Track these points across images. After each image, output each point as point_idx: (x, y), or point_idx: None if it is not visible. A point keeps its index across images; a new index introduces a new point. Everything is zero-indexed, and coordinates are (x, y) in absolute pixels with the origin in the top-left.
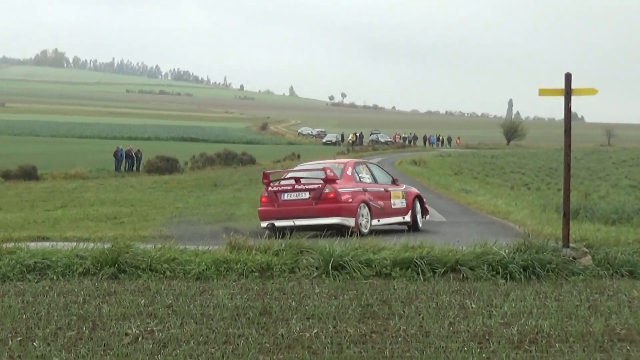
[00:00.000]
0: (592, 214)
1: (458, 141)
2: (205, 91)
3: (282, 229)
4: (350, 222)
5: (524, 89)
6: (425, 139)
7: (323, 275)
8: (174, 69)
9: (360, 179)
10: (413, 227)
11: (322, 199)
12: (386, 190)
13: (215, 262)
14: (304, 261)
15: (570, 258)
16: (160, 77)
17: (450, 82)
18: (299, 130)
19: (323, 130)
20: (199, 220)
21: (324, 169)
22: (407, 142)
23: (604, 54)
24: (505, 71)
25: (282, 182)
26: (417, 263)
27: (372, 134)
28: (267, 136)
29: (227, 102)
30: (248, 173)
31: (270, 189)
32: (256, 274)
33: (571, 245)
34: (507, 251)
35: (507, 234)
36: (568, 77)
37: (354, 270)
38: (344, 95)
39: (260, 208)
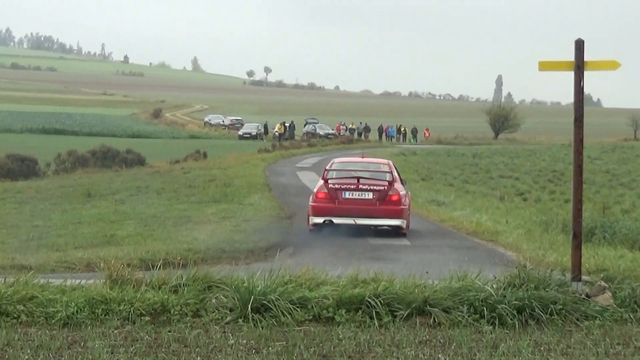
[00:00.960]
0: (613, 234)
1: (427, 134)
2: (75, 64)
3: (341, 226)
4: (404, 224)
5: (518, 63)
6: (381, 130)
7: (240, 320)
8: (31, 34)
9: (399, 181)
10: (406, 233)
11: (386, 201)
12: (408, 193)
13: (90, 302)
14: (214, 300)
15: (583, 296)
16: (12, 44)
17: (417, 53)
18: (206, 119)
19: (239, 118)
20: (67, 244)
21: (388, 170)
22: (355, 135)
23: (627, 24)
24: (493, 39)
25: (342, 180)
26: (370, 303)
27: (307, 123)
28: (162, 127)
29: (106, 80)
30: (135, 178)
31: (330, 185)
32: (147, 318)
33: (584, 278)
34: (495, 286)
35: (494, 262)
36: (580, 45)
37: (282, 313)
38: (267, 71)
39: (315, 204)
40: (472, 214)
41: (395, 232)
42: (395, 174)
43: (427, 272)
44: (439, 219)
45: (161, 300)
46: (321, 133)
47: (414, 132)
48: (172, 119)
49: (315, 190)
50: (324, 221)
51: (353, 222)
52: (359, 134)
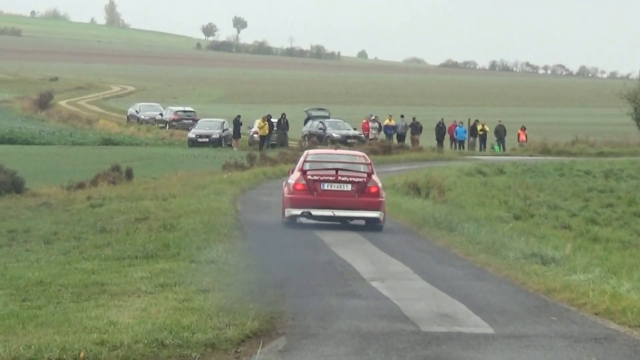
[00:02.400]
0: None
1: (522, 136)
2: None
3: (320, 218)
4: (382, 217)
5: None
6: (442, 130)
7: None
8: None
9: (376, 173)
10: (378, 227)
11: (365, 192)
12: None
13: None
14: None
15: None
16: None
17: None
18: (131, 110)
19: (189, 110)
20: None
21: (366, 162)
22: (395, 139)
23: None
24: None
25: (321, 171)
26: None
27: (309, 118)
28: (52, 124)
29: None
30: (6, 216)
31: (309, 177)
32: None
33: None
34: None
35: None
36: None
37: None
38: (239, 25)
39: (293, 195)
40: (605, 279)
41: (372, 227)
42: (372, 166)
43: None
44: (544, 289)
45: None
46: (335, 135)
47: (500, 132)
48: (70, 111)
49: (292, 181)
50: (302, 213)
51: (332, 214)
52: (401, 136)
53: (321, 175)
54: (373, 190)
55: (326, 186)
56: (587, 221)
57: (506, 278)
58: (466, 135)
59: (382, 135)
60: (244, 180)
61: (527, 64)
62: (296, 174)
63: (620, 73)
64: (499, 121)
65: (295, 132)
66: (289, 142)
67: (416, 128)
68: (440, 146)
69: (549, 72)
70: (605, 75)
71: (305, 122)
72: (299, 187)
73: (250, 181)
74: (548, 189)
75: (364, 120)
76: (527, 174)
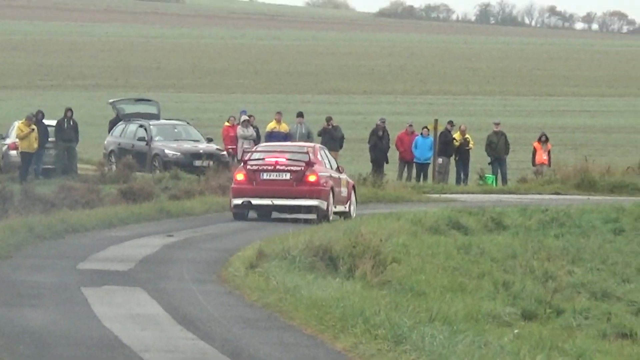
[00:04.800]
0: None
1: (541, 155)
2: None
3: (259, 207)
4: (324, 205)
5: None
6: (380, 139)
7: None
8: None
9: (325, 164)
10: (348, 215)
11: (303, 181)
12: (339, 178)
13: None
14: None
15: None
16: None
17: None
18: None
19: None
20: None
21: (306, 152)
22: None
23: None
24: None
25: (262, 162)
26: None
27: (121, 117)
28: None
29: None
30: None
31: (248, 167)
32: None
33: None
34: None
35: None
36: None
37: None
38: None
39: (234, 185)
40: None
41: (319, 217)
42: (320, 156)
43: None
44: None
45: None
46: (169, 152)
47: (497, 147)
48: None
49: (235, 173)
50: (243, 202)
51: (270, 203)
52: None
53: (260, 165)
54: (311, 179)
55: (265, 176)
56: None
57: None
58: (432, 152)
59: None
60: None
61: (548, 11)
62: (240, 165)
63: None
64: (496, 125)
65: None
66: (74, 167)
67: (331, 138)
68: (379, 174)
69: (591, 26)
70: None
71: (112, 127)
72: (239, 177)
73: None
74: (591, 261)
75: (227, 124)
76: (549, 229)
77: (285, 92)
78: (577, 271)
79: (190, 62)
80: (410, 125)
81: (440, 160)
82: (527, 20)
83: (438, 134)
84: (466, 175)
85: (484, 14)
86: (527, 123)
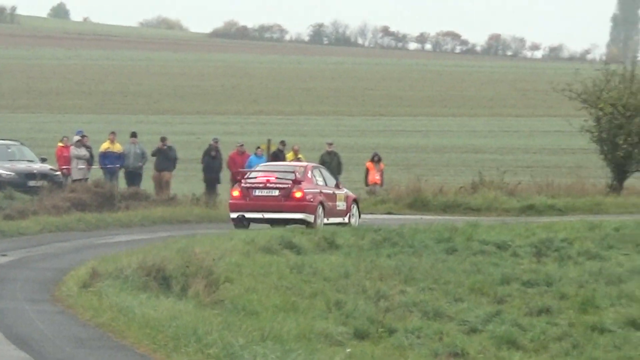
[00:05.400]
0: None
1: (374, 175)
2: None
3: (252, 220)
4: (310, 218)
5: None
6: (214, 159)
7: None
8: None
9: (316, 181)
10: (348, 226)
11: (290, 197)
12: (334, 193)
13: None
14: None
15: None
16: None
17: None
18: None
19: None
20: None
21: (293, 171)
22: (120, 176)
23: None
24: None
25: (254, 180)
26: None
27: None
28: None
29: None
30: None
31: (243, 185)
32: None
33: None
34: None
35: None
36: None
37: None
38: None
39: (231, 201)
40: None
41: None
42: (310, 175)
43: None
44: None
45: None
46: (3, 172)
47: (329, 166)
48: None
49: (231, 190)
50: (238, 216)
51: (262, 216)
52: (134, 173)
53: (253, 183)
54: (298, 195)
55: (257, 192)
56: (498, 343)
57: None
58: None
59: (100, 171)
60: None
61: (382, 31)
62: (237, 184)
63: (570, 49)
64: (329, 145)
65: None
66: None
67: (165, 158)
68: (212, 194)
69: (425, 46)
70: (537, 54)
71: None
72: (235, 193)
73: None
74: (424, 280)
75: (60, 144)
76: (382, 249)
77: (119, 112)
78: (409, 290)
79: (25, 83)
80: (241, 145)
81: None
82: (360, 41)
83: (270, 152)
84: None
85: (318, 34)
86: (360, 143)
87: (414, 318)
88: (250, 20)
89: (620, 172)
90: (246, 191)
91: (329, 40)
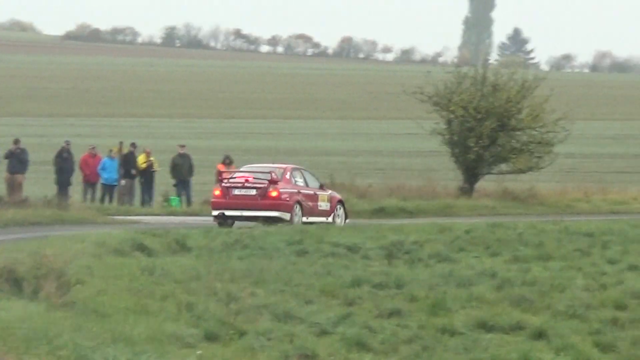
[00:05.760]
0: None
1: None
2: None
3: (231, 217)
4: (286, 216)
5: None
6: (65, 161)
7: None
8: None
9: (295, 182)
10: (332, 225)
11: (266, 196)
12: (315, 194)
13: None
14: None
15: None
16: None
17: None
18: None
19: None
20: None
21: (270, 172)
22: None
23: None
24: None
25: (234, 180)
26: None
27: None
28: None
29: None
30: None
31: (223, 184)
32: None
33: None
34: None
35: None
36: None
37: None
38: None
39: (213, 199)
40: None
41: (276, 222)
42: (289, 176)
43: None
44: None
45: None
46: None
47: (181, 169)
48: None
49: (214, 189)
50: (218, 214)
51: (240, 214)
52: None
53: (233, 183)
54: (273, 194)
55: (236, 191)
56: (348, 345)
57: None
58: (118, 174)
59: None
60: None
61: (234, 34)
62: (218, 184)
63: (422, 52)
64: (181, 148)
65: None
66: None
67: (18, 161)
68: (63, 196)
69: (277, 48)
70: (389, 57)
71: None
72: (216, 193)
73: None
74: (275, 282)
75: None
76: (233, 251)
77: None
78: (260, 293)
79: None
80: (93, 148)
81: (123, 182)
82: (212, 44)
83: (122, 154)
84: (151, 197)
85: (170, 37)
86: (212, 145)
87: (264, 320)
88: (102, 23)
89: (471, 175)
90: (226, 190)
91: (181, 42)
